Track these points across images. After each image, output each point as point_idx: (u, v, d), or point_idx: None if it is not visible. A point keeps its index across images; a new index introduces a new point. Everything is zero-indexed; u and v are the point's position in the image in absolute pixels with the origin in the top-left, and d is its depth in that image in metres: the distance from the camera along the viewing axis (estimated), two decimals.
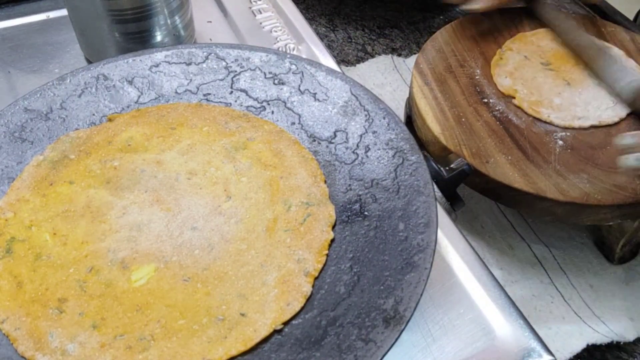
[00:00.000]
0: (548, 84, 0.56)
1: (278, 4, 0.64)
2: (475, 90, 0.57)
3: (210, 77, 0.48)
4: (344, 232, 0.39)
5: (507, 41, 0.61)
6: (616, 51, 0.59)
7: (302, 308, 0.35)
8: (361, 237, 0.38)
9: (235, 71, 0.48)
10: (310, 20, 0.73)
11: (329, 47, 0.71)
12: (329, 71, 0.47)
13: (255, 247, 0.38)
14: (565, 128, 0.53)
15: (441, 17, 0.77)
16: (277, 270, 0.37)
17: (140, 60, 0.48)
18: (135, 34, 0.51)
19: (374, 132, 0.43)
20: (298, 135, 0.45)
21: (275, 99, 0.47)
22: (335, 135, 0.44)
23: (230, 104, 0.47)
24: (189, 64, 0.49)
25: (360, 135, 0.43)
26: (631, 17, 0.73)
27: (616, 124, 0.53)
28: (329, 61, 0.57)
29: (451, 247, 0.42)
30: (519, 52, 0.60)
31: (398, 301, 0.33)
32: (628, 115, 0.54)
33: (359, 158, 0.43)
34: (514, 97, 0.56)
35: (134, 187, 0.42)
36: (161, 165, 0.43)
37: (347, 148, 0.43)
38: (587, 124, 0.53)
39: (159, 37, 0.53)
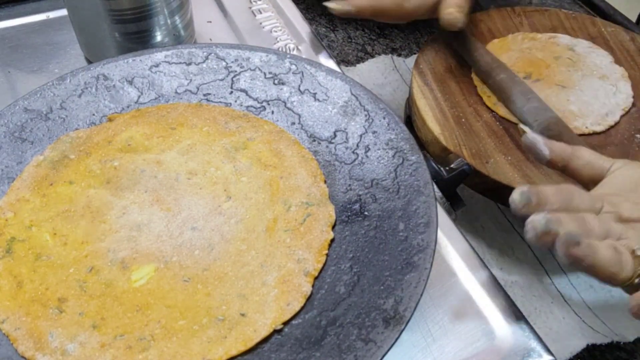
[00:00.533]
0: (552, 96, 0.55)
1: (278, 4, 0.64)
2: (475, 90, 0.57)
3: (210, 77, 0.48)
4: (344, 232, 0.39)
5: (473, 75, 0.58)
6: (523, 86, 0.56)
7: (302, 308, 0.35)
8: (361, 237, 0.38)
9: (235, 71, 0.48)
10: (310, 20, 0.73)
11: (329, 47, 0.71)
12: (329, 71, 0.47)
13: (255, 247, 0.38)
14: (604, 132, 0.52)
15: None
16: (277, 270, 0.37)
17: (140, 60, 0.48)
18: (135, 34, 0.51)
19: (374, 132, 0.43)
20: (298, 135, 0.45)
21: (275, 99, 0.47)
22: (335, 135, 0.44)
23: (230, 104, 0.47)
24: (189, 64, 0.49)
25: (360, 135, 0.43)
26: (631, 17, 0.73)
27: (616, 124, 0.53)
28: (329, 61, 0.57)
29: (451, 247, 0.42)
30: None
31: (398, 301, 0.33)
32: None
33: (359, 158, 0.43)
34: None
35: (134, 187, 0.42)
36: (161, 165, 0.43)
37: (347, 148, 0.43)
38: (617, 116, 0.53)
39: (159, 37, 0.53)
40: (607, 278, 0.35)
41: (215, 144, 0.44)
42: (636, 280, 0.36)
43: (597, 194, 0.39)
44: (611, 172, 0.41)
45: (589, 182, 0.42)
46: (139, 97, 0.48)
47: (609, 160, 0.42)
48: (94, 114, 0.47)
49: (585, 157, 0.42)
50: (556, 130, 0.50)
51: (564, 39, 0.61)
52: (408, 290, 0.33)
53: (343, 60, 0.69)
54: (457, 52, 0.60)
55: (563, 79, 0.57)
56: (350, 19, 0.73)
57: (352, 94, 0.45)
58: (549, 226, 0.34)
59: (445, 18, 0.56)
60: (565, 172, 0.42)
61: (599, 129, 0.53)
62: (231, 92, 0.48)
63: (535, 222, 0.34)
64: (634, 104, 0.55)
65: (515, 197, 0.36)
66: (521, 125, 0.42)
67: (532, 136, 0.42)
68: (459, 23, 0.56)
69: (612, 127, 0.53)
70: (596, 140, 0.52)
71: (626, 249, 0.36)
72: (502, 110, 0.54)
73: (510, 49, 0.60)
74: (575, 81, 0.56)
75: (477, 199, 0.56)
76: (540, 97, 0.54)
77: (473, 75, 0.58)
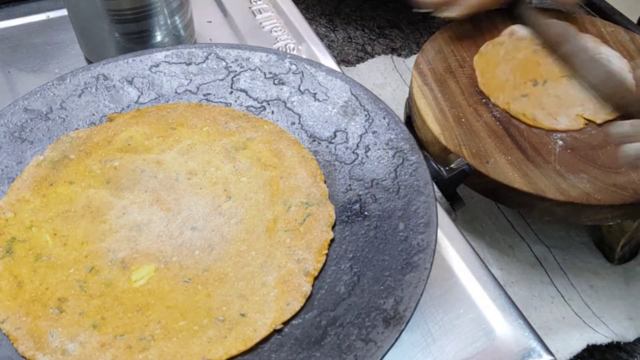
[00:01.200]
0: (572, 90, 0.55)
1: (278, 4, 0.64)
2: (475, 90, 0.57)
3: (210, 77, 0.48)
4: (344, 232, 0.39)
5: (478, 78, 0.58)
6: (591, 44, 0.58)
7: (302, 308, 0.35)
8: (361, 237, 0.38)
9: (235, 71, 0.48)
10: (310, 20, 0.73)
11: (329, 47, 0.71)
12: (329, 71, 0.47)
13: (256, 247, 0.38)
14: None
15: (441, 17, 0.76)
16: (277, 271, 0.37)
17: (140, 60, 0.48)
18: (135, 34, 0.51)
19: (374, 132, 0.43)
20: (298, 135, 0.45)
21: (275, 99, 0.47)
22: (335, 135, 0.44)
23: (230, 104, 0.47)
24: (189, 64, 0.49)
25: (360, 135, 0.43)
26: (631, 17, 0.73)
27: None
28: (329, 61, 0.57)
29: (451, 247, 0.42)
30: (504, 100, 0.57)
31: (398, 301, 0.33)
32: None
33: (359, 158, 0.43)
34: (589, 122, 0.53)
35: (134, 187, 0.42)
36: (161, 165, 0.43)
37: (347, 148, 0.43)
38: (630, 77, 0.54)
39: (159, 37, 0.53)
40: None
41: (215, 144, 0.44)
42: None
43: None
44: None
45: None
46: (139, 97, 0.48)
47: None
48: (94, 114, 0.47)
49: None
50: (622, 94, 0.50)
51: (520, 30, 0.61)
52: (408, 290, 0.33)
53: (343, 60, 0.69)
54: (527, 23, 0.61)
55: (562, 70, 0.57)
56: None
57: (352, 94, 0.45)
58: None
59: None
60: None
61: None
62: (231, 92, 0.48)
63: (631, 148, 0.38)
64: None
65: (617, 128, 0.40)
66: (622, 151, 0.43)
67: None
68: None
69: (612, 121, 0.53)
70: (596, 140, 0.52)
71: None
72: (513, 110, 0.54)
73: (498, 63, 0.59)
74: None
75: (477, 199, 0.56)
76: (563, 96, 0.54)
77: (478, 78, 0.58)
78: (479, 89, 0.57)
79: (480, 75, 0.57)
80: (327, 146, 0.44)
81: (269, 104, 0.47)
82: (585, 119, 0.53)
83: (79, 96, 0.47)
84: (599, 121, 0.53)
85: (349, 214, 0.40)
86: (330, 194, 0.41)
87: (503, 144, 0.52)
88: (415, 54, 0.69)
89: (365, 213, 0.40)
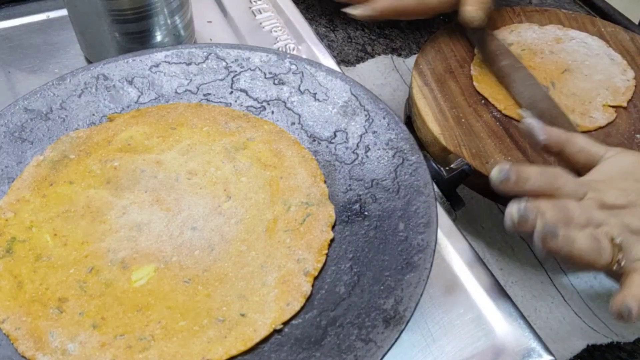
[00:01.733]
0: (577, 83, 0.55)
1: (278, 4, 0.64)
2: (474, 90, 0.57)
3: (210, 77, 0.48)
4: (344, 232, 0.39)
5: (472, 71, 0.58)
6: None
7: (302, 308, 0.35)
8: (361, 237, 0.38)
9: (235, 71, 0.48)
10: (310, 20, 0.73)
11: (329, 47, 0.71)
12: (329, 71, 0.47)
13: (256, 247, 0.38)
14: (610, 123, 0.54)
15: (441, 17, 0.76)
16: (277, 271, 0.37)
17: (140, 60, 0.48)
18: (135, 34, 0.51)
19: (374, 132, 0.43)
20: (298, 135, 0.45)
21: (275, 99, 0.47)
22: (335, 135, 0.44)
23: (230, 104, 0.47)
24: (189, 64, 0.49)
25: (360, 135, 0.43)
26: (631, 17, 0.73)
27: (612, 122, 0.54)
28: (329, 61, 0.57)
29: (451, 247, 0.42)
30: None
31: (398, 301, 0.33)
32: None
33: (359, 158, 0.43)
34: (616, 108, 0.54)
35: (134, 187, 0.42)
36: (161, 165, 0.43)
37: (347, 148, 0.43)
38: (625, 67, 0.57)
39: (159, 37, 0.53)
40: (585, 266, 0.35)
41: (215, 144, 0.44)
42: (615, 267, 0.36)
43: (583, 180, 0.40)
44: (604, 159, 0.41)
45: (583, 169, 0.42)
46: (139, 97, 0.48)
47: (603, 148, 0.42)
48: (94, 114, 0.47)
49: (580, 144, 0.42)
50: (553, 117, 0.50)
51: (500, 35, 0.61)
52: (408, 290, 0.33)
53: (343, 60, 0.69)
54: (466, 38, 0.61)
55: (557, 66, 0.57)
56: (372, 21, 0.74)
57: (352, 94, 0.45)
58: (526, 214, 0.34)
59: (465, 15, 0.57)
60: (561, 158, 0.43)
61: (633, 73, 0.57)
62: (231, 92, 0.48)
63: (513, 210, 0.35)
64: (630, 100, 0.55)
65: (494, 173, 0.37)
66: (519, 110, 0.42)
67: (530, 121, 0.42)
68: (477, 21, 0.57)
69: (612, 123, 0.54)
70: (596, 139, 0.52)
71: (605, 237, 0.36)
72: (510, 111, 0.54)
73: (499, 82, 0.58)
74: (562, 57, 0.57)
75: (477, 199, 0.56)
76: (578, 92, 0.54)
77: (473, 72, 0.58)
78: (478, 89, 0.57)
79: (496, 101, 0.55)
80: (327, 146, 0.44)
81: (269, 104, 0.47)
82: (611, 106, 0.53)
83: (79, 96, 0.47)
84: (624, 104, 0.53)
85: (349, 214, 0.40)
86: (330, 194, 0.41)
87: (503, 144, 0.52)
88: (415, 54, 0.69)
89: (365, 213, 0.40)
